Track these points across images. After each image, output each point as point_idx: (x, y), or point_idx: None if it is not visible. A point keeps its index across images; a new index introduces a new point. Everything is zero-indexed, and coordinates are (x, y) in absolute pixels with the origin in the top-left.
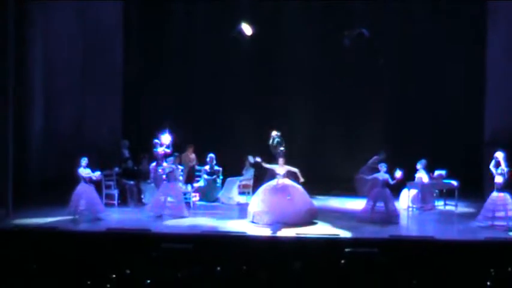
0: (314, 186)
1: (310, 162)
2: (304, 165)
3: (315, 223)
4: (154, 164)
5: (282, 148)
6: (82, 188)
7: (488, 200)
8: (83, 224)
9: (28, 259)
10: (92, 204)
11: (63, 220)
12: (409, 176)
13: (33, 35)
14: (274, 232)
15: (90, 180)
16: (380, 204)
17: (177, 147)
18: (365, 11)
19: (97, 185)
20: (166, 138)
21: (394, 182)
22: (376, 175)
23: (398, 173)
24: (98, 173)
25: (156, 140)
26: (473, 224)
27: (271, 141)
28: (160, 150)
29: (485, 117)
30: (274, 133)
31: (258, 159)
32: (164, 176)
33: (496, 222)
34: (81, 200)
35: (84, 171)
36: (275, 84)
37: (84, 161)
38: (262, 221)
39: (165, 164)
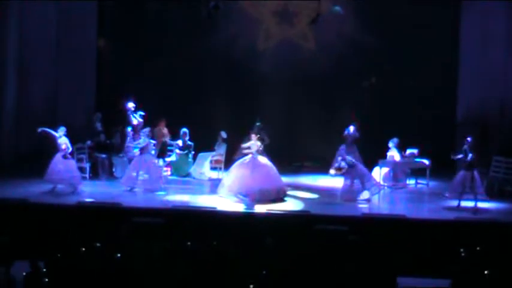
0: (285, 164)
1: (283, 139)
2: (277, 143)
3: (286, 200)
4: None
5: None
6: (60, 158)
7: None
8: (54, 197)
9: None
10: (72, 176)
11: (34, 193)
12: (381, 154)
13: (7, 13)
14: (247, 208)
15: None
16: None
17: (150, 122)
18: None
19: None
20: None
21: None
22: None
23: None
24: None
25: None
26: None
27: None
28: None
29: (458, 97)
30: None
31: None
32: (137, 150)
33: None
34: (60, 171)
35: (63, 140)
36: (249, 63)
37: (62, 130)
38: (233, 197)
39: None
